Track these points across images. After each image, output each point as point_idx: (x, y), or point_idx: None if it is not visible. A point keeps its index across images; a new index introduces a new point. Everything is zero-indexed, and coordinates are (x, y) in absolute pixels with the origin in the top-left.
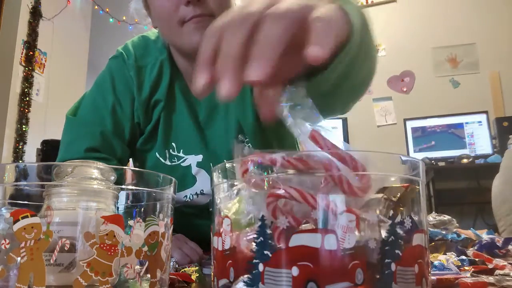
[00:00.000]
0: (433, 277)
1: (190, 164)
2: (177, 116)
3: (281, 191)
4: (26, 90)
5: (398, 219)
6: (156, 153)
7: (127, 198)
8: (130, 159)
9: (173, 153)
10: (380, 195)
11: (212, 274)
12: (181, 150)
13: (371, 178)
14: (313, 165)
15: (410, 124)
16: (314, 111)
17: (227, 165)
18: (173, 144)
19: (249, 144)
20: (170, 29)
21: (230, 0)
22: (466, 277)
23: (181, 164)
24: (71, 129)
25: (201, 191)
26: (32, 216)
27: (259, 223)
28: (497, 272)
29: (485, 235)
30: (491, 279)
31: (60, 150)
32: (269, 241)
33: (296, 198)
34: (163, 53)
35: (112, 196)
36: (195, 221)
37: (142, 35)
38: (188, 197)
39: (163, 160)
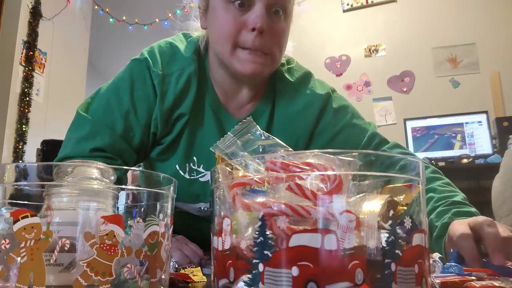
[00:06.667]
0: (437, 280)
1: (209, 180)
2: (203, 131)
3: (274, 209)
4: (26, 90)
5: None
6: (177, 165)
7: (127, 198)
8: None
9: (193, 167)
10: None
11: (212, 274)
12: (201, 165)
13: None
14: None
15: (410, 124)
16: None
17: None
18: (194, 158)
19: (261, 130)
20: (224, 46)
21: (285, 45)
22: (472, 279)
23: (199, 179)
24: (80, 126)
25: None
26: (32, 216)
27: (259, 223)
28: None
29: None
30: (499, 282)
31: (65, 146)
32: (269, 241)
33: (288, 213)
34: (191, 65)
35: (112, 196)
36: (201, 223)
37: (170, 42)
38: (202, 208)
39: (182, 173)
